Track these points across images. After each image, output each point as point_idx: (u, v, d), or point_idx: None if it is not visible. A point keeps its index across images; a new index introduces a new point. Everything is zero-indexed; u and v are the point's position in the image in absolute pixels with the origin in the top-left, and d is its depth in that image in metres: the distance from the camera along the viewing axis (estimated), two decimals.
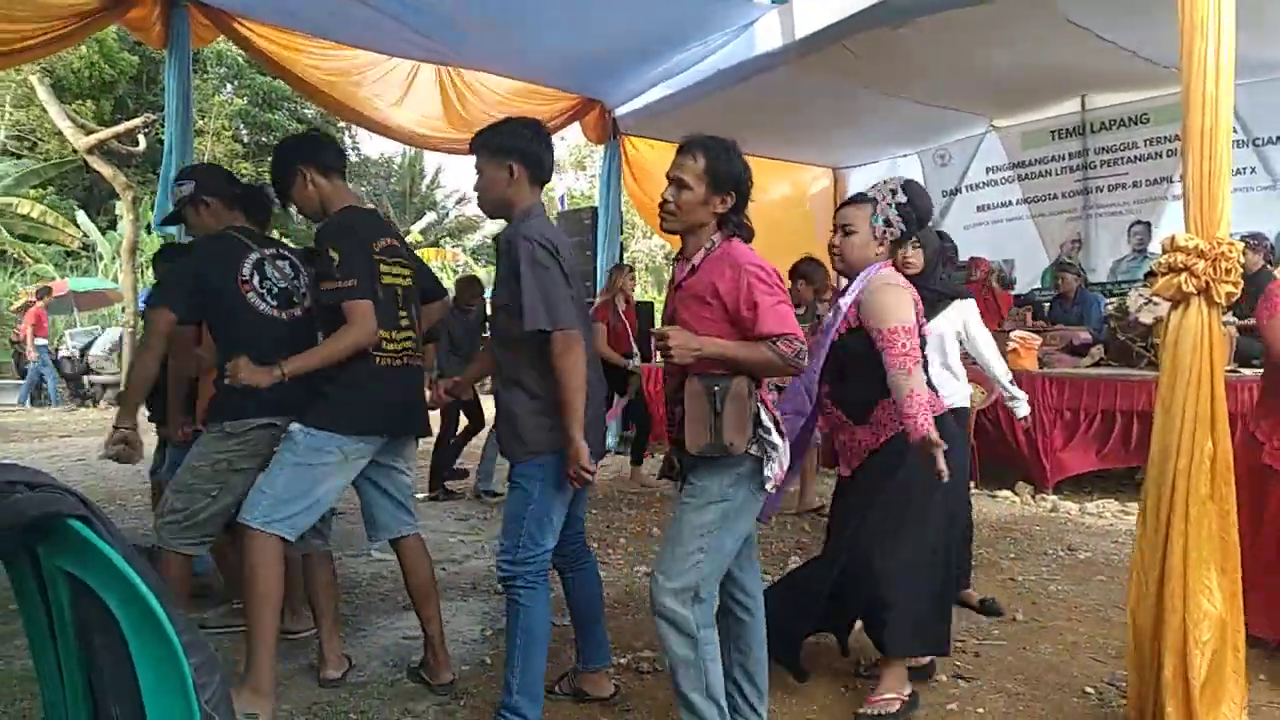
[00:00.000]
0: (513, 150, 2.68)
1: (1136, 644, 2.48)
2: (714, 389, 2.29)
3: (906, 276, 3.25)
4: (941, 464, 2.49)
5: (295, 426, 2.82)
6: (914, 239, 3.67)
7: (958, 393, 3.63)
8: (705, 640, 2.35)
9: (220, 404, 2.97)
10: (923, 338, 2.76)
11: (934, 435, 2.49)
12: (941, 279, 3.71)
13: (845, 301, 2.76)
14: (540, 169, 2.75)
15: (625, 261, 8.74)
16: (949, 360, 3.66)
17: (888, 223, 2.75)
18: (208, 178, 3.28)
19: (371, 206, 3.04)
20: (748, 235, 2.49)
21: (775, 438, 2.36)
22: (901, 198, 2.74)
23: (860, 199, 2.83)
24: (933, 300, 3.52)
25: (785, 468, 2.44)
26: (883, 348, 2.60)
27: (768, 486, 2.38)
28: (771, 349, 2.27)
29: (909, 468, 2.68)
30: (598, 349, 6.80)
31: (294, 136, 3.20)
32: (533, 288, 2.51)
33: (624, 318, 7.09)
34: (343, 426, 2.81)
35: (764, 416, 2.35)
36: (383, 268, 2.89)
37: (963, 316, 3.72)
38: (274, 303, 3.01)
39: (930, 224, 4.11)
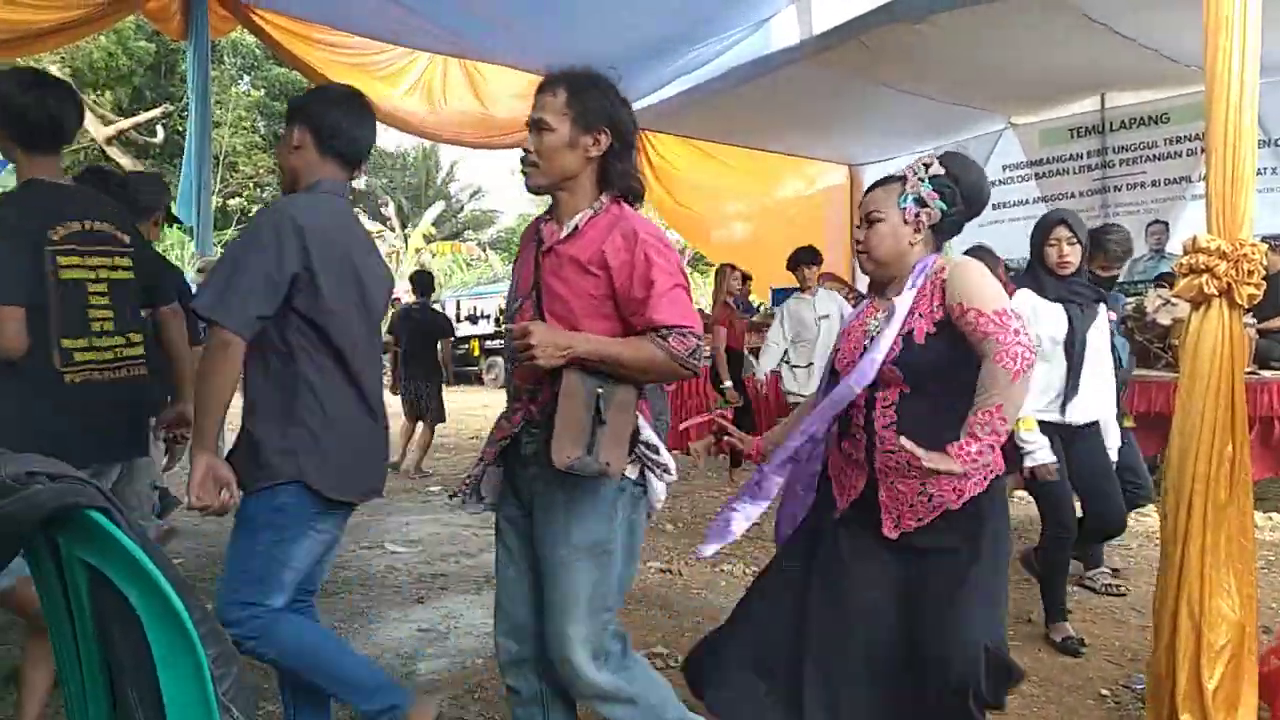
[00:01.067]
0: (302, 113, 2.28)
1: (1156, 646, 2.48)
2: (598, 390, 1.85)
3: (1058, 277, 3.14)
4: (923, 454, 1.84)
5: None
6: (1071, 231, 3.33)
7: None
8: (641, 688, 2.03)
9: None
10: None
11: (952, 468, 1.84)
12: (1090, 277, 3.45)
13: (904, 301, 2.05)
14: (333, 138, 2.24)
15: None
16: (1100, 367, 3.41)
17: (920, 202, 2.09)
18: None
19: (68, 182, 2.50)
20: (637, 192, 2.06)
21: (665, 456, 1.99)
22: (937, 169, 2.10)
23: (888, 180, 2.19)
24: (1090, 301, 3.36)
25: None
26: (986, 334, 1.88)
27: (656, 507, 2.04)
28: (660, 344, 1.84)
29: (993, 531, 2.03)
30: (718, 352, 6.92)
31: None
32: (228, 265, 2.02)
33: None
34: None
35: (647, 432, 1.98)
36: (63, 260, 2.32)
37: (1108, 319, 3.45)
38: None
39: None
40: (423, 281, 8.15)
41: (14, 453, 1.17)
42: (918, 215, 2.09)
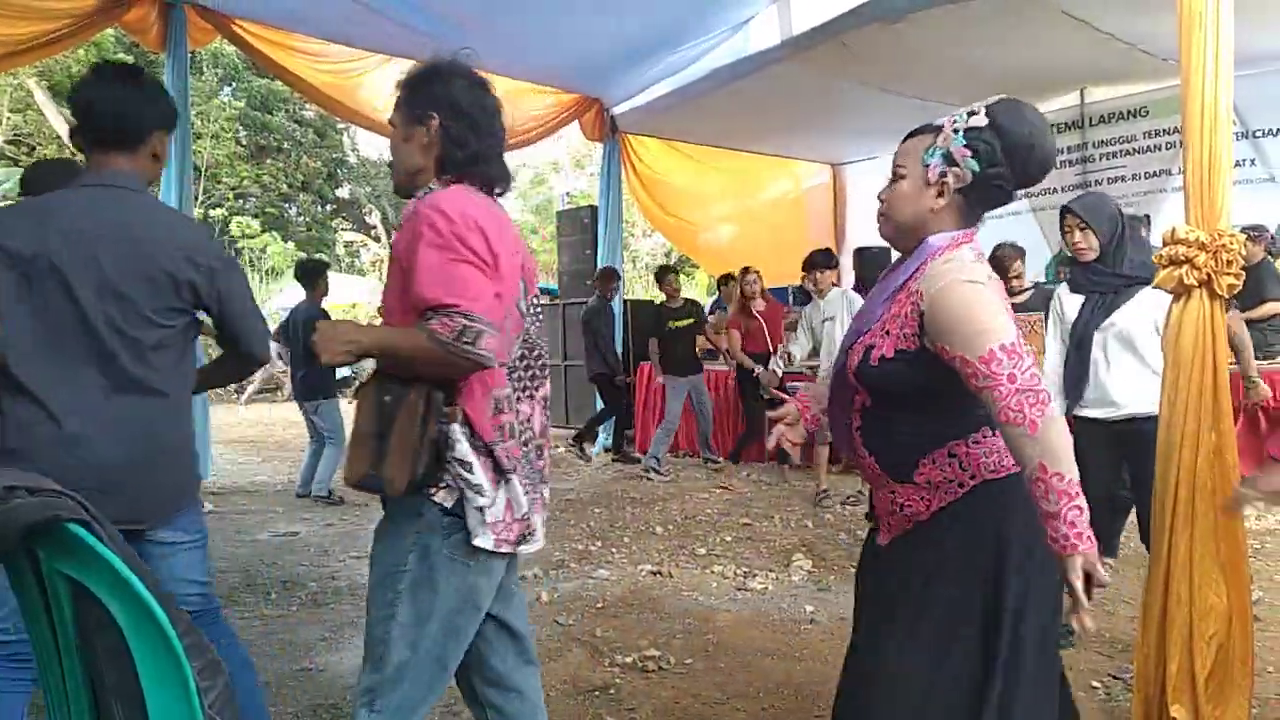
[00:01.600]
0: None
1: (1143, 637, 2.49)
2: (385, 398, 1.65)
3: (1080, 266, 2.83)
4: (1082, 611, 1.47)
5: None
6: (1077, 217, 3.21)
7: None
8: None
9: None
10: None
11: (1096, 564, 1.46)
12: (1131, 260, 3.17)
13: (885, 293, 1.78)
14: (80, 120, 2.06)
15: (615, 261, 8.82)
16: (1147, 359, 3.15)
17: (948, 159, 1.70)
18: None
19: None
20: (493, 176, 1.89)
21: (478, 476, 1.69)
22: (980, 120, 1.69)
23: (924, 129, 1.82)
24: (1117, 287, 3.18)
25: (518, 517, 1.77)
26: (980, 388, 1.53)
27: (477, 541, 1.70)
28: (423, 328, 1.60)
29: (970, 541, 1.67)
30: (734, 354, 6.98)
31: None
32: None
33: (760, 317, 7.22)
34: None
35: (461, 446, 1.68)
36: None
37: (1159, 305, 2.83)
38: None
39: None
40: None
41: None
42: (943, 175, 1.70)
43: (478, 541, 1.71)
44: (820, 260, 6.05)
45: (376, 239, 25.98)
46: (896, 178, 1.78)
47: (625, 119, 8.72)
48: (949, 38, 6.25)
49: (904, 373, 1.65)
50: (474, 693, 1.96)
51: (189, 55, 6.28)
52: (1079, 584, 1.46)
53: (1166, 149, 7.99)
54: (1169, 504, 2.41)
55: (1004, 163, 1.67)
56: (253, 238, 21.13)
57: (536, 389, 1.88)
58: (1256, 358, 5.74)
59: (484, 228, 1.69)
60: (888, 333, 1.68)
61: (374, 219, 26.24)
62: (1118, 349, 3.22)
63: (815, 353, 6.09)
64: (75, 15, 5.63)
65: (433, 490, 1.69)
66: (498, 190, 1.91)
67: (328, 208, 27.67)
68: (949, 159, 1.70)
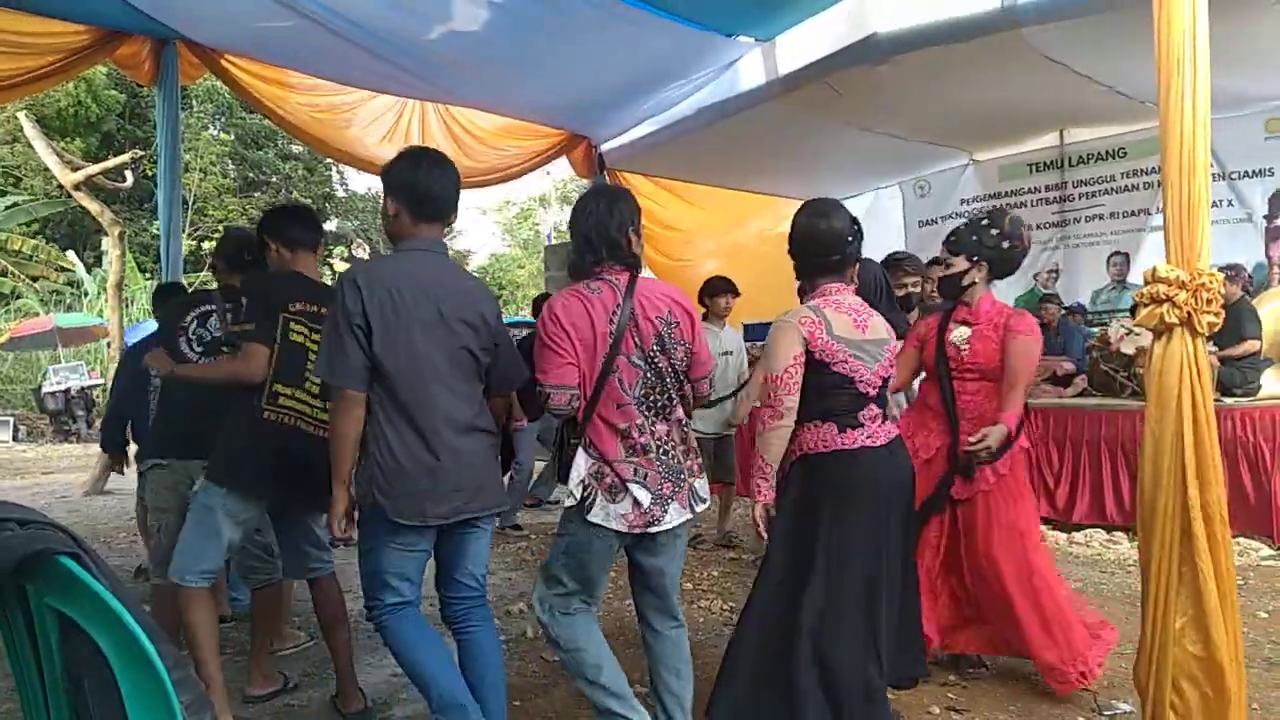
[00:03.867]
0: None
1: (1138, 674, 2.49)
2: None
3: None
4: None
5: (199, 479, 3.05)
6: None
7: None
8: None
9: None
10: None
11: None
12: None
13: None
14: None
15: None
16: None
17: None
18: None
19: (303, 274, 3.19)
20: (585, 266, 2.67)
21: (597, 482, 2.52)
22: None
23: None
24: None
25: (641, 510, 2.50)
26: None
27: (590, 517, 2.50)
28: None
29: (784, 504, 2.70)
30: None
31: (272, 210, 3.39)
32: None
33: None
34: (225, 480, 2.92)
35: (580, 463, 2.53)
36: (294, 325, 2.98)
37: None
38: (199, 349, 3.39)
39: (900, 255, 4.61)
40: None
41: None
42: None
43: (590, 517, 2.48)
44: (719, 286, 5.77)
45: None
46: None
47: (613, 156, 8.79)
48: (931, 79, 6.37)
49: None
50: (643, 621, 2.76)
51: (180, 90, 6.31)
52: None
53: (1145, 189, 8.13)
54: (1158, 540, 2.42)
55: (802, 245, 2.79)
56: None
57: (670, 414, 2.59)
58: (1234, 395, 5.82)
59: (563, 319, 2.49)
60: None
61: (362, 252, 26.27)
62: None
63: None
64: (68, 50, 5.65)
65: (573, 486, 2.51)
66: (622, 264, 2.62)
67: None
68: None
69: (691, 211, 9.64)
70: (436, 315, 2.45)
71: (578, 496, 2.48)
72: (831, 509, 2.57)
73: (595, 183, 8.96)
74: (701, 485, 2.65)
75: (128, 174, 14.66)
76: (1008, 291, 9.17)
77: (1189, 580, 2.39)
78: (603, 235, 2.56)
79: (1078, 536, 5.88)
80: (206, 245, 20.91)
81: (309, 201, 26.05)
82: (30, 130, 11.35)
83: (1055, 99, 7.07)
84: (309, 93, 6.88)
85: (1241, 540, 5.34)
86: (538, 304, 7.79)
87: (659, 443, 2.52)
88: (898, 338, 3.55)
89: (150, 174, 16.69)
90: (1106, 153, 8.49)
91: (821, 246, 2.71)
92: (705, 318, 5.71)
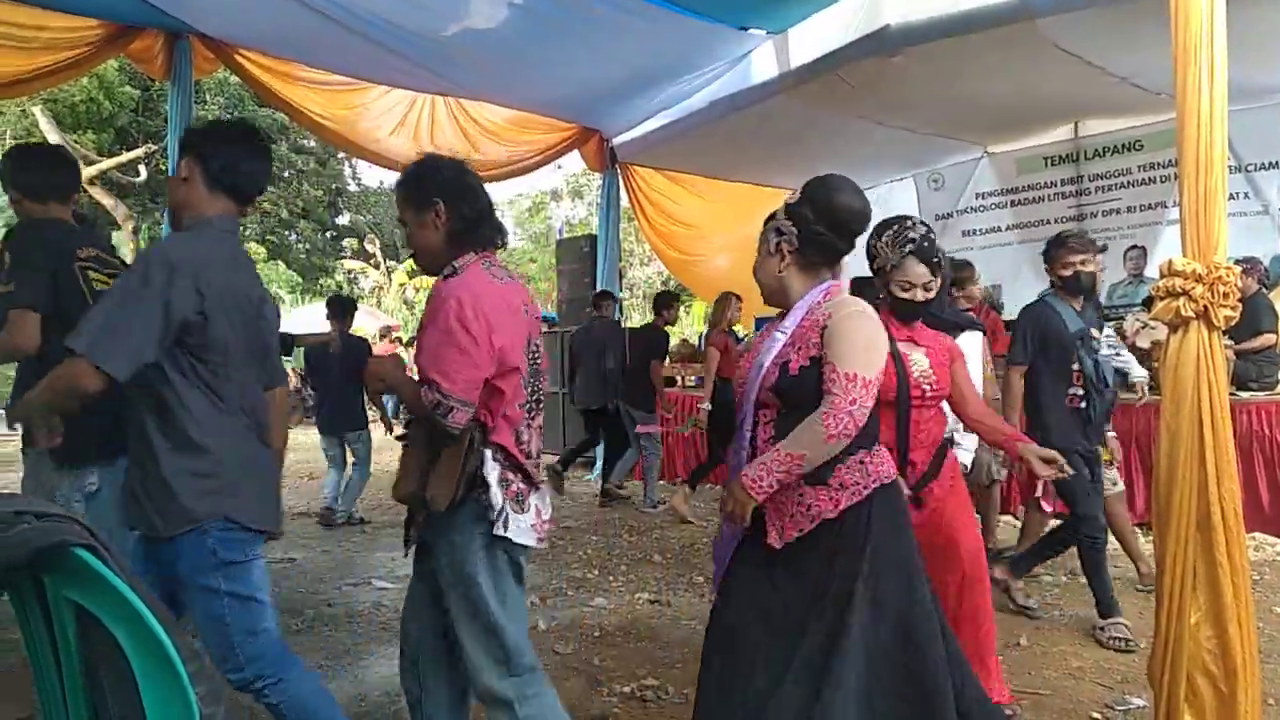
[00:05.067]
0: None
1: (1152, 670, 2.48)
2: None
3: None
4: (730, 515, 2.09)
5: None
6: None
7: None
8: None
9: None
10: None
11: (747, 509, 2.06)
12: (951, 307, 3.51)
13: (783, 333, 2.20)
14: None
15: (613, 289, 8.80)
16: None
17: (778, 232, 2.25)
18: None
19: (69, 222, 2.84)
20: (487, 238, 2.27)
21: (504, 493, 2.15)
22: (794, 196, 2.27)
23: (769, 218, 2.35)
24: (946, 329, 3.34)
25: (546, 518, 2.27)
26: (829, 390, 2.03)
27: (510, 534, 2.14)
28: (425, 389, 2.04)
29: (874, 551, 2.06)
30: (717, 375, 6.77)
31: (9, 152, 2.93)
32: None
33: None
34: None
35: (493, 472, 2.13)
36: (92, 274, 2.70)
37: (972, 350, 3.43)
38: None
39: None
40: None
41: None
42: (778, 244, 2.23)
43: (510, 534, 2.13)
44: (855, 287, 5.98)
45: (376, 266, 26.07)
46: (757, 254, 2.30)
47: (625, 149, 8.79)
48: (944, 71, 6.33)
49: (815, 378, 2.07)
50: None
51: (193, 84, 6.34)
52: (732, 511, 2.07)
53: (1162, 182, 8.06)
54: (1172, 534, 2.40)
55: (817, 220, 2.19)
56: (257, 264, 21.21)
57: (534, 419, 2.31)
58: (1250, 389, 5.78)
59: (489, 314, 2.09)
60: (797, 349, 2.12)
61: (374, 247, 26.34)
62: None
63: None
64: (82, 44, 5.69)
65: (474, 503, 2.11)
66: (499, 243, 2.32)
67: (328, 235, 27.77)
68: (779, 231, 2.23)
69: (703, 205, 9.63)
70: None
71: (496, 509, 2.13)
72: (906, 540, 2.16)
73: (606, 177, 8.96)
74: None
75: (141, 168, 14.75)
76: (1027, 287, 9.14)
77: (1204, 575, 2.38)
78: (482, 197, 2.27)
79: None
80: None
81: (321, 195, 26.16)
82: (45, 125, 11.45)
83: (1070, 91, 7.02)
84: (321, 87, 6.90)
85: (1258, 535, 5.31)
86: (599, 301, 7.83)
87: (530, 448, 2.29)
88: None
89: (164, 169, 16.77)
90: (1122, 145, 8.42)
91: (845, 231, 2.22)
92: None
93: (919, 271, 2.79)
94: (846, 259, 2.28)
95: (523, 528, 2.17)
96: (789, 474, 2.00)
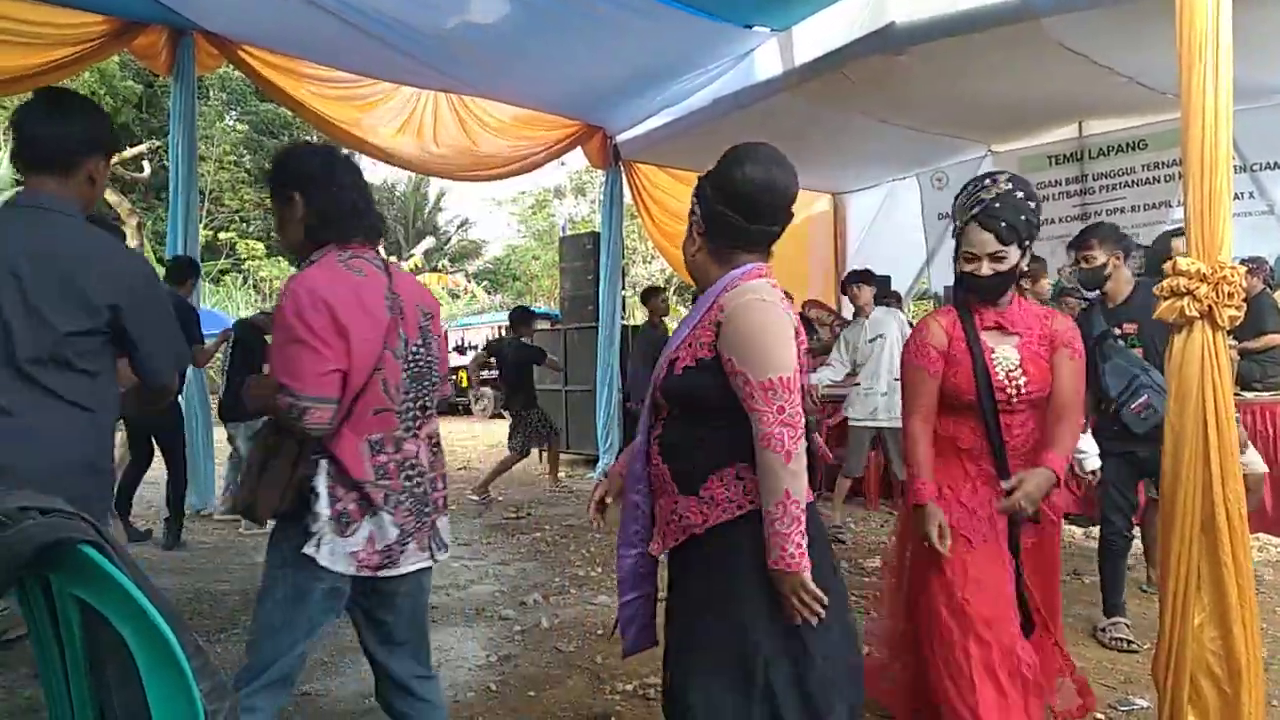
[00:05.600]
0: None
1: (1155, 670, 2.48)
2: (269, 441, 2.00)
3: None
4: (804, 607, 1.77)
5: None
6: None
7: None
8: None
9: None
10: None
11: (808, 581, 1.75)
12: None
13: (684, 326, 1.99)
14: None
15: (615, 287, 8.85)
16: None
17: (693, 211, 2.01)
18: None
19: None
20: (352, 232, 2.07)
21: (332, 509, 1.96)
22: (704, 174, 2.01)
23: None
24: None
25: (379, 549, 2.00)
26: (751, 409, 1.78)
27: (311, 552, 1.94)
28: (280, 395, 1.90)
29: (742, 578, 1.83)
30: None
31: None
32: None
33: None
34: None
35: (322, 485, 1.95)
36: None
37: None
38: None
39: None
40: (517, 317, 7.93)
41: (5, 489, 1.16)
42: (690, 225, 2.01)
43: (319, 557, 1.94)
44: (854, 277, 6.17)
45: None
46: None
47: (628, 147, 8.78)
48: (949, 69, 6.32)
49: (701, 380, 1.85)
50: (385, 700, 2.23)
51: (197, 80, 6.34)
52: (798, 598, 1.75)
53: (1166, 181, 8.04)
54: (1176, 534, 2.40)
55: (718, 201, 1.91)
56: (258, 259, 21.23)
57: (420, 428, 2.12)
58: (1255, 389, 5.77)
59: (331, 304, 1.92)
60: (689, 346, 1.90)
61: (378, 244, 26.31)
62: None
63: (853, 374, 6.05)
64: (86, 40, 5.70)
65: (298, 516, 1.95)
66: (372, 237, 2.14)
67: None
68: (691, 211, 1.99)
69: None
70: None
71: (314, 527, 1.95)
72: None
73: (609, 174, 8.95)
74: (444, 525, 2.17)
75: (145, 164, 14.74)
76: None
77: (1209, 576, 2.37)
78: (362, 197, 2.11)
79: (1095, 531, 5.84)
80: (223, 236, 21.05)
81: None
82: None
83: (1074, 90, 7.00)
84: (325, 84, 6.91)
85: (1261, 536, 5.30)
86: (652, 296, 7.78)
87: (409, 463, 2.07)
88: None
89: (167, 165, 16.80)
90: (1127, 145, 8.40)
91: (759, 208, 1.91)
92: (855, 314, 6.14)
93: (982, 239, 2.36)
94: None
95: (338, 553, 1.95)
96: (797, 520, 1.74)
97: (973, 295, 2.46)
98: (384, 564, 2.01)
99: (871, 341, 5.94)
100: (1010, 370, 2.41)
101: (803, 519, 1.75)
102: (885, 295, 8.57)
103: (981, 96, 7.15)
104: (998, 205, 2.34)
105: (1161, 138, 7.91)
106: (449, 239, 32.64)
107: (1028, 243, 2.38)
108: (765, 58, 7.22)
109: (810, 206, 10.71)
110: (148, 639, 1.14)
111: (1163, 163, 8.08)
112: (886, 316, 5.99)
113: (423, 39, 6.07)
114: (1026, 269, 2.40)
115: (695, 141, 8.14)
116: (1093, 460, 3.78)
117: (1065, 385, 2.45)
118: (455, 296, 25.90)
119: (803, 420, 1.78)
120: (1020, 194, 2.36)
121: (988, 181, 2.39)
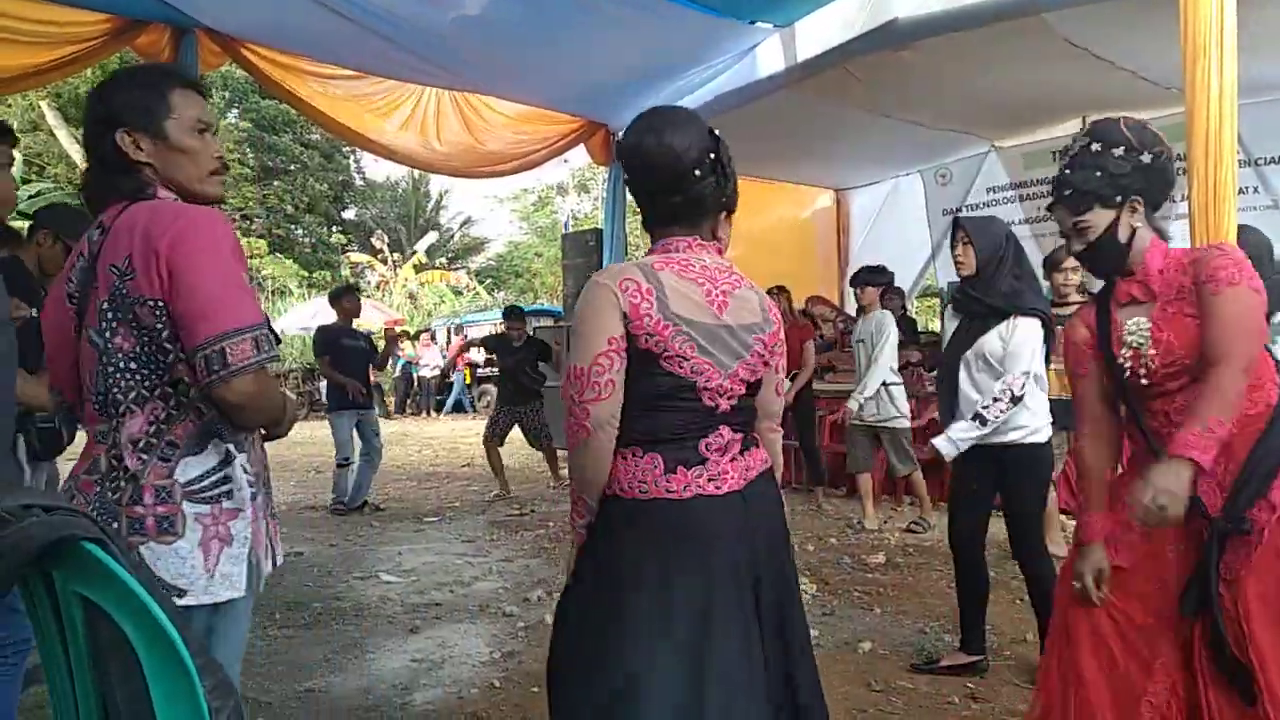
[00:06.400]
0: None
1: None
2: None
3: (959, 283, 2.40)
4: None
5: None
6: (963, 231, 3.15)
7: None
8: None
9: None
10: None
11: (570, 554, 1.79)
12: (1004, 291, 3.14)
13: None
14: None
15: None
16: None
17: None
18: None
19: None
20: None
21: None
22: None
23: None
24: (982, 313, 3.19)
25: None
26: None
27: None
28: None
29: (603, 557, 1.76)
30: None
31: None
32: None
33: None
34: None
35: None
36: None
37: (1010, 338, 3.15)
38: None
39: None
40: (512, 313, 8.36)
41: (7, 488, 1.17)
42: None
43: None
44: (861, 276, 6.10)
45: (384, 261, 26.10)
46: None
47: None
48: (952, 65, 6.30)
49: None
50: None
51: (199, 78, 6.34)
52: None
53: None
54: None
55: (628, 173, 1.78)
56: (260, 257, 21.25)
57: (120, 427, 1.62)
58: None
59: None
60: None
61: (380, 241, 26.37)
62: (984, 375, 3.24)
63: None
64: (88, 39, 5.69)
65: None
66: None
67: (334, 229, 27.80)
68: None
69: None
70: None
71: None
72: (654, 575, 1.65)
73: (612, 171, 8.95)
74: (158, 553, 1.57)
75: None
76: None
77: None
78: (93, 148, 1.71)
79: None
80: None
81: (325, 190, 26.16)
82: (52, 119, 11.47)
83: (1078, 85, 6.98)
84: (328, 81, 6.90)
85: None
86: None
87: (110, 463, 1.62)
88: None
89: None
90: None
91: (652, 177, 1.74)
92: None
93: (1059, 216, 2.10)
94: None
95: None
96: (574, 502, 1.76)
97: (1091, 269, 2.18)
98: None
99: (860, 343, 5.98)
100: (1139, 344, 1.98)
101: (579, 501, 1.74)
102: (888, 292, 8.58)
103: (985, 92, 7.14)
104: (1067, 172, 2.04)
105: (1166, 132, 7.71)
106: (451, 236, 32.66)
107: (1120, 198, 1.98)
108: (768, 54, 7.20)
109: (813, 202, 10.69)
110: (151, 636, 1.14)
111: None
112: (882, 318, 5.97)
113: (425, 36, 6.06)
114: (1136, 226, 2.02)
115: None
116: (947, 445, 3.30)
117: (1208, 334, 1.85)
118: (458, 293, 25.93)
119: (586, 410, 1.63)
120: (1097, 145, 2.01)
121: (1066, 145, 2.11)
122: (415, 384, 18.63)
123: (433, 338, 19.27)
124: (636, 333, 1.63)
